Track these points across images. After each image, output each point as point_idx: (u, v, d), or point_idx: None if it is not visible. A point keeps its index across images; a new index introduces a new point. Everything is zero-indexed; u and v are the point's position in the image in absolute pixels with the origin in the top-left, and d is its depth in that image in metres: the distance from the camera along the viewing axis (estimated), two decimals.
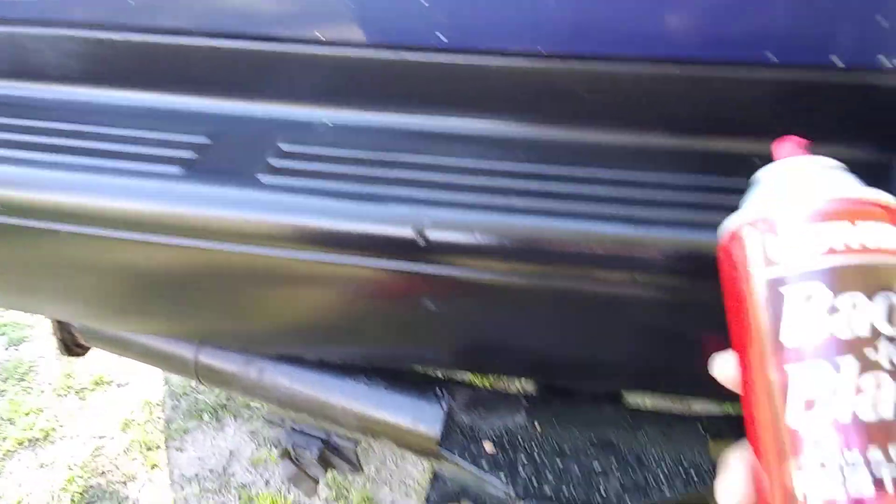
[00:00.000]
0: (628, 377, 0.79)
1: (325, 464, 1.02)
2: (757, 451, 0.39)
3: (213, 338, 0.93)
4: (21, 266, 0.82)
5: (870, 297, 0.36)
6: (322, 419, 0.93)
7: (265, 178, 0.71)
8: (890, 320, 0.36)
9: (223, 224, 0.70)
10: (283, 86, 0.80)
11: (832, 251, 0.37)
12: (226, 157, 0.75)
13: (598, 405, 0.83)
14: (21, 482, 1.86)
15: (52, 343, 2.27)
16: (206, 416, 2.04)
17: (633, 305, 0.70)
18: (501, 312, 0.73)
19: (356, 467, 1.01)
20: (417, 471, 1.88)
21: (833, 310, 0.36)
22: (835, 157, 0.68)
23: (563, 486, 0.71)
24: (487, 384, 1.30)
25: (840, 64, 0.62)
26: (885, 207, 0.39)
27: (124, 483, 1.86)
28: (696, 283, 0.67)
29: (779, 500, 0.36)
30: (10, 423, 2.01)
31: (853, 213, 0.38)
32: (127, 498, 1.82)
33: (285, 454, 1.07)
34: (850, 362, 0.35)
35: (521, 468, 0.74)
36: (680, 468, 0.75)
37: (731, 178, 0.69)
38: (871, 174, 0.68)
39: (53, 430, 2.00)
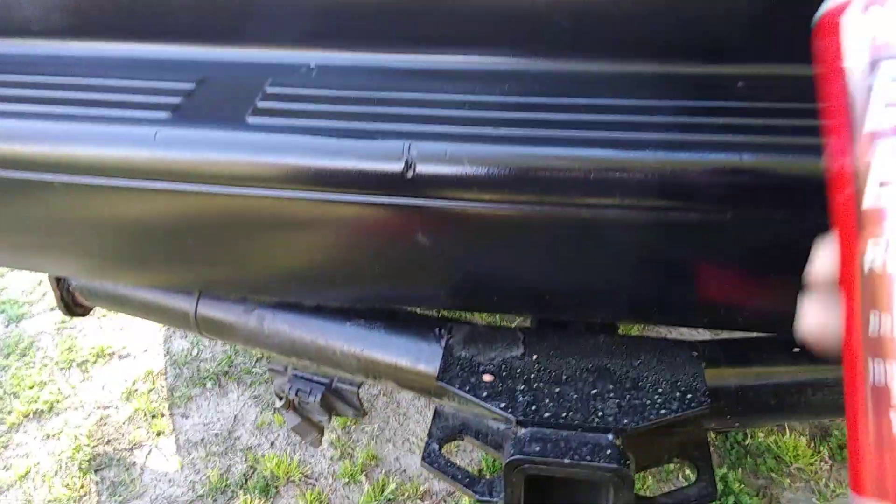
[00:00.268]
0: (622, 307, 0.80)
1: (329, 409, 1.04)
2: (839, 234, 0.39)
3: (210, 286, 0.94)
4: (16, 220, 0.82)
5: None
6: (323, 364, 0.94)
7: (253, 120, 0.71)
8: None
9: (212, 166, 0.71)
10: (267, 29, 0.80)
11: None
12: (213, 102, 0.75)
13: (593, 335, 0.84)
14: (28, 453, 1.88)
15: (52, 317, 2.28)
16: (209, 384, 2.06)
17: (622, 231, 0.70)
18: (493, 244, 0.73)
19: (359, 410, 1.03)
20: (420, 428, 1.91)
21: None
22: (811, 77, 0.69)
23: (562, 410, 0.73)
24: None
25: None
26: None
27: (131, 450, 1.88)
28: (684, 205, 0.68)
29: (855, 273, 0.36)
30: (15, 397, 2.03)
31: None
32: (134, 464, 1.84)
33: (289, 404, 1.08)
34: None
35: (519, 396, 0.76)
36: (676, 391, 0.76)
37: (716, 100, 0.70)
38: None
39: (58, 401, 2.02)
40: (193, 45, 0.82)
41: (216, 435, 1.91)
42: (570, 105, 0.70)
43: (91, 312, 1.14)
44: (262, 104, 0.73)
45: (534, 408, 0.73)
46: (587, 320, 0.88)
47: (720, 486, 1.64)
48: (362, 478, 1.78)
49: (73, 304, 1.08)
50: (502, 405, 0.74)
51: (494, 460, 1.72)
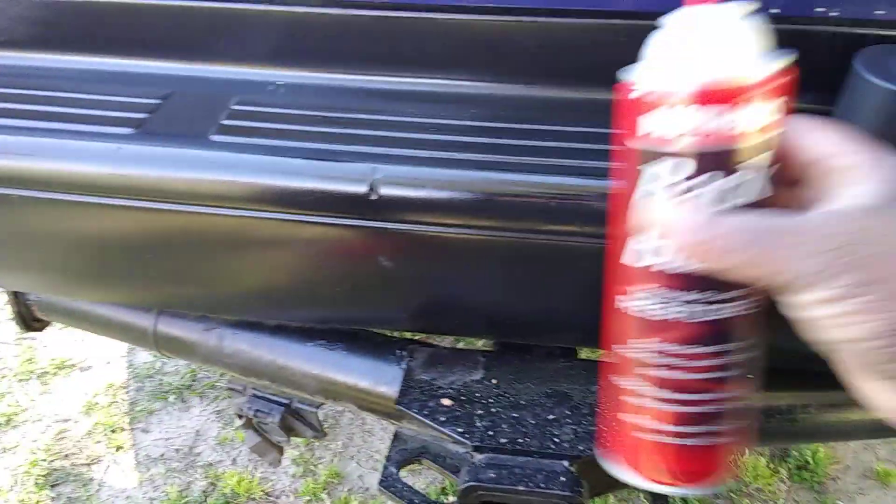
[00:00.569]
0: (584, 332, 0.81)
1: (288, 429, 1.03)
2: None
3: (170, 303, 0.93)
4: None
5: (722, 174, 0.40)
6: (283, 384, 0.93)
7: (217, 137, 0.71)
8: (730, 194, 0.40)
9: (175, 184, 0.70)
10: (234, 46, 0.79)
11: (698, 133, 0.39)
12: (178, 118, 0.75)
13: (554, 360, 0.84)
14: None
15: (11, 327, 2.23)
16: (171, 398, 2.03)
17: (584, 258, 0.71)
18: (456, 268, 0.74)
19: (318, 431, 1.02)
20: (384, 445, 1.89)
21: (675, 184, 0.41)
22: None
23: (518, 436, 0.73)
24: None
25: (775, 11, 0.64)
26: (760, 84, 0.40)
27: (89, 465, 1.84)
28: None
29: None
30: None
31: (726, 96, 0.39)
32: (92, 480, 1.80)
33: (248, 423, 1.07)
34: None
35: (477, 420, 0.76)
36: None
37: None
38: None
39: (15, 414, 1.98)
40: (160, 59, 0.82)
41: (177, 450, 1.88)
42: (538, 131, 0.70)
43: (48, 327, 1.12)
44: (226, 122, 0.73)
45: (491, 433, 0.73)
46: (549, 345, 0.88)
47: None
48: (324, 496, 1.77)
49: (30, 319, 1.06)
50: (460, 430, 0.74)
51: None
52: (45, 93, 0.78)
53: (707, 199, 0.40)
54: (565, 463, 0.70)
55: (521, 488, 0.65)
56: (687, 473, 0.48)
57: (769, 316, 0.44)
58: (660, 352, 0.44)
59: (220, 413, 1.99)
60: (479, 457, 0.72)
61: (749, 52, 0.40)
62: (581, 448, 0.70)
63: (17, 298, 1.04)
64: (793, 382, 0.84)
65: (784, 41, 0.69)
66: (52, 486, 1.79)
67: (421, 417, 0.76)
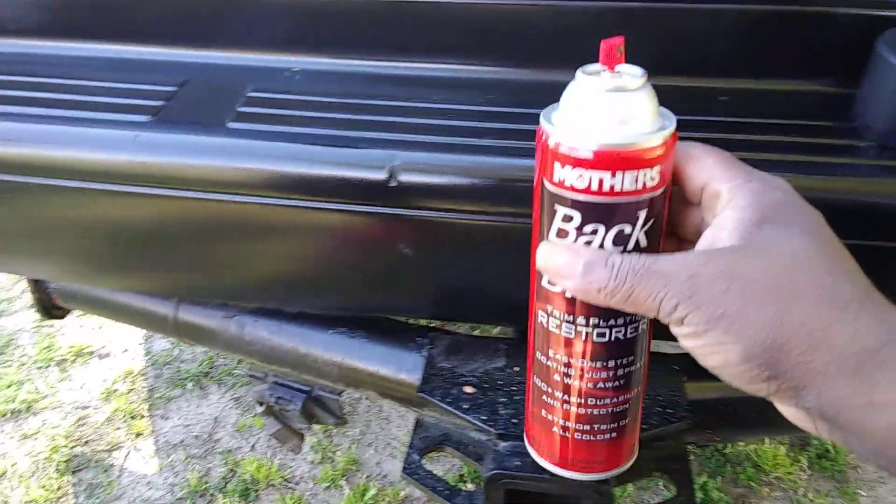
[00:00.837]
0: None
1: (309, 417, 1.02)
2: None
3: (189, 291, 0.93)
4: None
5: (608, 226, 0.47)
6: (304, 372, 0.93)
7: (233, 125, 0.70)
8: (615, 242, 0.47)
9: (192, 171, 0.70)
10: (249, 33, 0.79)
11: (588, 191, 0.45)
12: (194, 105, 0.74)
13: None
14: (4, 453, 1.85)
15: (31, 315, 2.25)
16: (189, 385, 2.04)
17: None
18: (477, 255, 0.73)
19: (340, 418, 1.02)
20: (402, 432, 1.90)
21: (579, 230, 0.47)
22: (798, 91, 0.69)
23: None
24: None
25: None
26: (641, 151, 0.45)
27: (109, 451, 1.86)
28: None
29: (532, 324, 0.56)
30: None
31: (613, 161, 0.45)
32: (112, 466, 1.82)
33: (269, 411, 1.07)
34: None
35: (500, 408, 0.75)
36: (656, 405, 0.76)
37: (689, 115, 0.70)
38: (833, 107, 0.69)
39: (35, 401, 2.00)
40: (175, 46, 0.81)
41: (196, 437, 1.90)
42: None
43: (68, 315, 1.12)
44: (243, 109, 0.72)
45: (514, 421, 0.73)
46: None
47: (699, 496, 1.65)
48: (343, 482, 1.77)
49: (50, 307, 1.06)
50: (483, 418, 0.74)
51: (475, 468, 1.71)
52: (60, 80, 0.78)
53: (595, 244, 0.47)
54: None
55: (546, 476, 0.64)
56: (583, 462, 0.59)
57: None
58: (565, 363, 0.53)
59: (239, 400, 2.00)
60: (503, 445, 0.72)
61: (642, 120, 0.45)
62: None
63: (38, 286, 1.04)
64: None
65: (807, 23, 0.68)
66: (74, 472, 1.80)
67: (444, 405, 0.76)
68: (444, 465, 1.78)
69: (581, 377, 0.53)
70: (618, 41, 0.46)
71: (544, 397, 0.56)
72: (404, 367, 0.86)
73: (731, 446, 1.81)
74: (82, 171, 0.72)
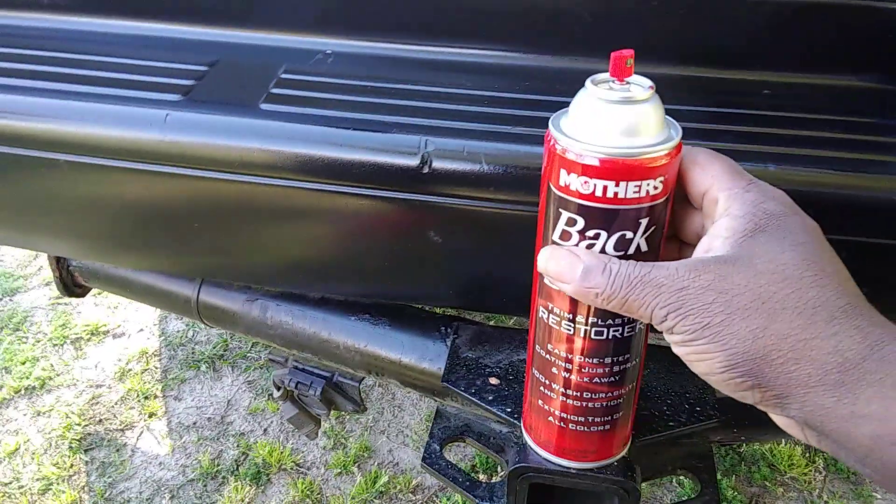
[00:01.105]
0: None
1: (328, 403, 1.02)
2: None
3: (215, 273, 0.92)
4: (19, 198, 0.80)
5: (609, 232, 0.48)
6: (325, 357, 0.92)
7: (266, 106, 0.69)
8: (616, 247, 0.49)
9: (223, 152, 0.69)
10: (282, 13, 0.78)
11: (592, 197, 0.47)
12: (226, 86, 0.73)
13: None
14: (18, 429, 1.86)
15: (46, 292, 2.26)
16: (203, 367, 2.05)
17: None
18: (507, 245, 0.72)
19: (359, 405, 1.01)
20: (415, 420, 1.90)
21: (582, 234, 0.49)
22: (842, 86, 0.68)
23: None
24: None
25: None
26: (646, 161, 0.46)
27: (122, 431, 1.87)
28: None
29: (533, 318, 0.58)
30: (6, 372, 2.01)
31: (618, 170, 0.46)
32: (125, 445, 1.83)
33: (287, 395, 1.07)
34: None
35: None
36: (685, 403, 0.75)
37: (743, 108, 0.68)
38: (879, 103, 0.67)
39: (50, 378, 2.01)
40: (207, 25, 0.80)
41: (209, 419, 1.90)
42: None
43: (88, 293, 1.12)
44: (275, 90, 0.71)
45: None
46: None
47: None
48: (354, 469, 1.77)
49: (71, 285, 1.06)
50: (508, 410, 0.73)
51: (488, 458, 1.71)
52: (92, 57, 0.77)
53: (597, 248, 0.49)
54: None
55: (571, 471, 0.64)
56: (576, 451, 0.62)
57: None
58: (563, 358, 0.55)
59: (252, 383, 2.00)
60: (528, 438, 0.71)
61: (648, 132, 0.47)
62: (634, 431, 0.69)
63: (60, 264, 1.04)
64: None
65: (854, 17, 0.66)
66: (86, 451, 1.81)
67: (468, 396, 0.75)
68: (455, 455, 1.77)
69: (578, 372, 0.56)
70: (628, 53, 0.47)
71: (542, 389, 0.59)
72: (427, 355, 0.85)
73: (747, 445, 1.80)
74: (112, 148, 0.71)
